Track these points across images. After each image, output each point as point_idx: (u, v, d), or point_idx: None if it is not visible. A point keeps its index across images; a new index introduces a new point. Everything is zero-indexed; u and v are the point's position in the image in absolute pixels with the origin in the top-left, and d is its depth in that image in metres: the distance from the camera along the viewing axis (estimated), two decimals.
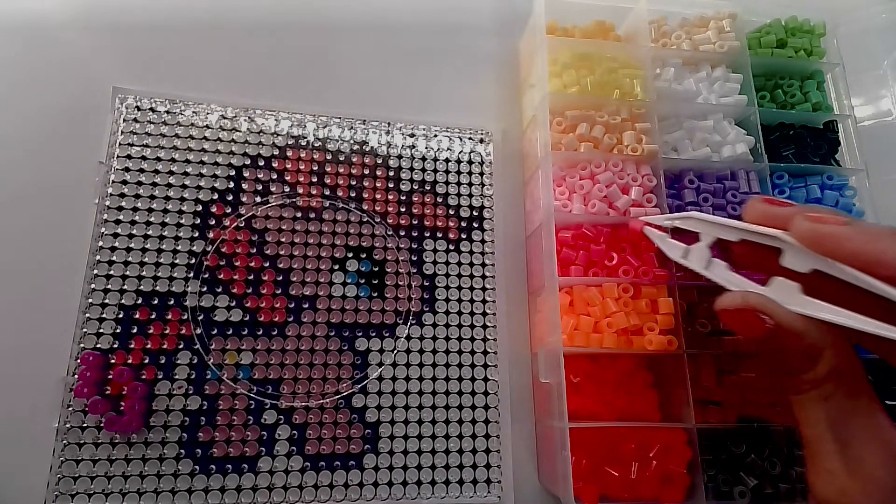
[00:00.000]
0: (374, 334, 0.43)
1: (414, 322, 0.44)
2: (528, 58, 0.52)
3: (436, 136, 0.49)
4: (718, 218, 0.35)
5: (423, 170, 0.48)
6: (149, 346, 0.40)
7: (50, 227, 0.42)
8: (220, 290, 0.42)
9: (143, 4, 0.49)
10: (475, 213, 0.48)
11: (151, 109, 0.45)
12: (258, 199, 0.44)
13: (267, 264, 0.43)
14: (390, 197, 0.46)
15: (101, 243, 0.41)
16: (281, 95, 0.48)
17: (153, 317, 0.40)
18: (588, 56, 0.48)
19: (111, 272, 0.40)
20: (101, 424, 0.37)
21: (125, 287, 0.40)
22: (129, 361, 0.39)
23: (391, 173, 0.47)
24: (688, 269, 0.37)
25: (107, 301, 0.40)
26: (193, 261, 0.42)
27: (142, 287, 0.41)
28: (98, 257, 0.40)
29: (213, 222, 0.43)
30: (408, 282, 0.45)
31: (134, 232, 0.42)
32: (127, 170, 0.43)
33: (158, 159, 0.43)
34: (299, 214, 0.45)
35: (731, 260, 0.35)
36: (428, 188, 0.47)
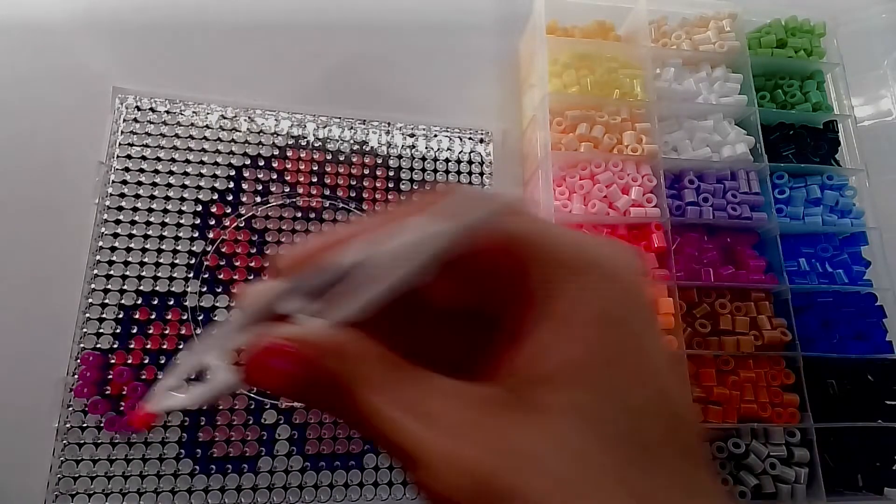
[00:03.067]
0: None
1: None
2: (528, 58, 0.52)
3: (436, 136, 0.49)
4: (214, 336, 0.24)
5: (423, 170, 0.48)
6: (149, 346, 0.40)
7: (50, 227, 0.42)
8: (220, 290, 0.42)
9: (143, 4, 0.49)
10: None
11: (151, 109, 0.45)
12: (258, 199, 0.44)
13: (267, 264, 0.43)
14: (390, 197, 0.46)
15: (101, 243, 0.41)
16: (281, 95, 0.48)
17: (153, 317, 0.40)
18: (588, 56, 0.48)
19: (111, 272, 0.40)
20: (102, 424, 0.37)
21: (125, 287, 0.40)
22: (129, 361, 0.39)
23: (391, 173, 0.47)
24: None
25: (107, 301, 0.40)
26: (193, 261, 0.42)
27: (142, 287, 0.41)
28: (98, 257, 0.40)
29: (213, 222, 0.43)
30: None
31: (134, 232, 0.42)
32: (127, 170, 0.43)
33: (158, 159, 0.43)
34: (299, 214, 0.45)
35: None
36: (428, 188, 0.47)
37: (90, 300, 0.40)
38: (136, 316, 0.40)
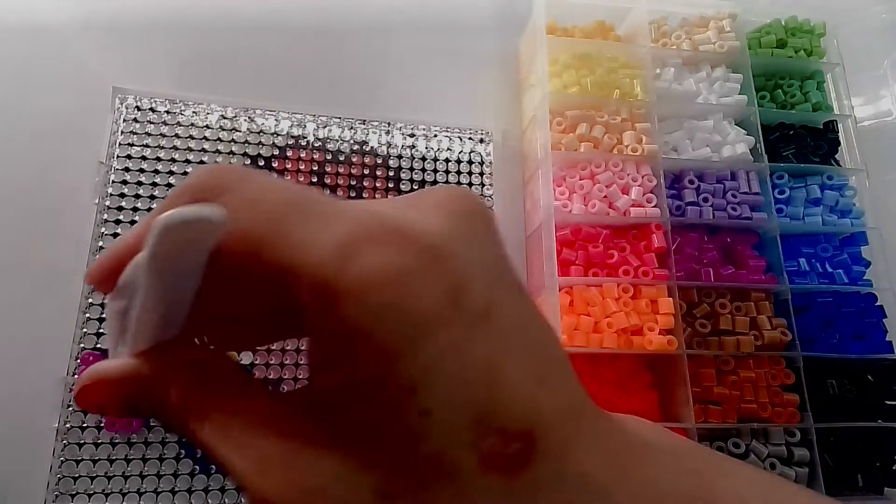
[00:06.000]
0: None
1: None
2: (528, 58, 0.52)
3: (436, 136, 0.49)
4: None
5: (423, 170, 0.48)
6: None
7: (50, 227, 0.42)
8: None
9: (143, 4, 0.49)
10: None
11: (151, 109, 0.45)
12: None
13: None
14: (390, 197, 0.46)
15: (101, 243, 0.41)
16: (281, 95, 0.48)
17: None
18: (588, 56, 0.48)
19: None
20: (101, 424, 0.37)
21: None
22: None
23: (391, 173, 0.47)
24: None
25: (107, 301, 0.40)
26: None
27: None
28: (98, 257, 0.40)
29: None
30: None
31: None
32: (127, 170, 0.43)
33: (158, 159, 0.43)
34: None
35: None
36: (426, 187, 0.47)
37: (90, 300, 0.40)
38: None
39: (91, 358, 0.38)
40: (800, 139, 0.48)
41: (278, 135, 0.46)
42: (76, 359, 0.38)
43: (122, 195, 0.42)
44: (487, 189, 0.48)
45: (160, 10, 0.49)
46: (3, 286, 0.40)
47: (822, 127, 0.49)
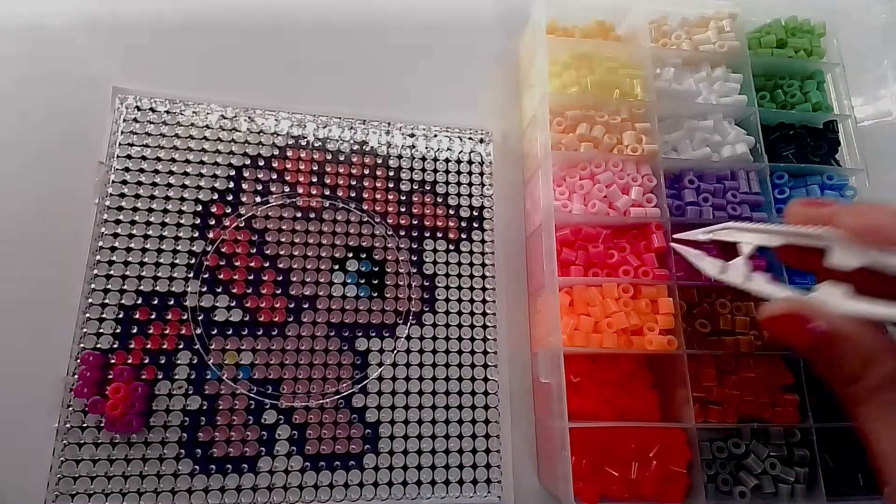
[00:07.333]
0: (374, 334, 0.43)
1: (414, 322, 0.44)
2: (527, 58, 0.52)
3: (436, 136, 0.49)
4: (758, 224, 0.34)
5: (423, 170, 0.48)
6: (149, 346, 0.40)
7: (50, 227, 0.42)
8: (220, 290, 0.42)
9: (143, 4, 0.49)
10: (475, 213, 0.48)
11: (151, 109, 0.45)
12: (258, 199, 0.44)
13: (267, 264, 0.43)
14: (390, 197, 0.46)
15: (101, 243, 0.41)
16: (281, 95, 0.48)
17: (153, 317, 0.40)
18: (588, 56, 0.48)
19: (111, 272, 0.40)
20: (102, 424, 0.37)
21: (125, 287, 0.40)
22: (129, 361, 0.39)
23: (391, 173, 0.47)
24: (729, 287, 0.35)
25: (107, 301, 0.40)
26: (193, 261, 0.42)
27: (142, 287, 0.41)
28: (98, 257, 0.40)
29: (213, 222, 0.43)
30: (408, 282, 0.45)
31: (134, 232, 0.42)
32: (127, 170, 0.43)
33: (158, 159, 0.43)
34: (299, 214, 0.45)
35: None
36: (428, 188, 0.47)
37: (90, 300, 0.40)
38: (136, 316, 0.40)
39: (91, 358, 0.38)
40: (800, 139, 0.48)
41: (278, 135, 0.46)
42: (76, 359, 0.38)
43: (122, 195, 0.42)
44: (487, 189, 0.48)
45: (160, 11, 0.49)
46: (3, 286, 0.40)
47: (822, 127, 0.49)
